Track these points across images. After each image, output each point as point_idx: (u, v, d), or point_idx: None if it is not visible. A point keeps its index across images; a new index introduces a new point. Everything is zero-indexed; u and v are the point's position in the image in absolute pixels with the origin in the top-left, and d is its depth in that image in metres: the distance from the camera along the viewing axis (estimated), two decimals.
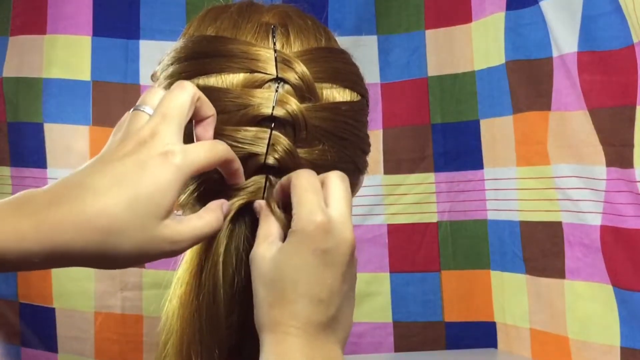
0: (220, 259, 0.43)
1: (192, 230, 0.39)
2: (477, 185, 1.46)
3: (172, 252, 0.38)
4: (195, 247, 0.44)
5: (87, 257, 0.35)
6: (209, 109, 0.41)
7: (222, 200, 0.43)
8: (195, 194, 0.45)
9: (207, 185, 0.45)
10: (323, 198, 0.42)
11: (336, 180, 0.43)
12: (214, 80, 0.45)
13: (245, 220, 0.44)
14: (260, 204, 0.44)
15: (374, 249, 1.52)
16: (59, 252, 0.34)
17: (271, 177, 0.44)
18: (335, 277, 0.40)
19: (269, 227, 0.43)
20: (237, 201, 0.44)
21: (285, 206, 0.43)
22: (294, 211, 0.41)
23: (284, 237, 0.43)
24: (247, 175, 0.44)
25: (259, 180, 0.44)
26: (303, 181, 0.42)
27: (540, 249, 1.32)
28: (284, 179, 0.44)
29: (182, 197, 0.46)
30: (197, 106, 0.40)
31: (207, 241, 0.43)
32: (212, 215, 0.40)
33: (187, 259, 0.44)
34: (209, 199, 0.45)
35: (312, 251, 0.40)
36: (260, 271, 0.41)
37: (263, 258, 0.41)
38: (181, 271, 0.46)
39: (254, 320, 0.41)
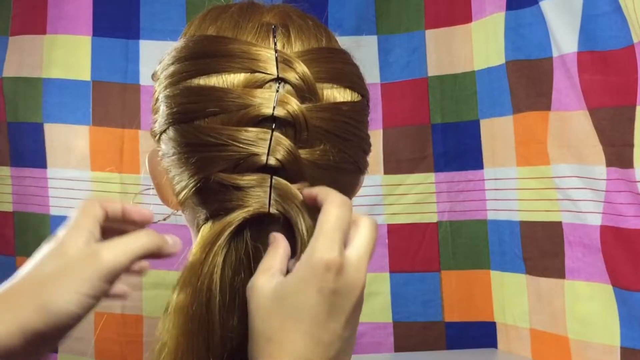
0: (218, 270, 0.42)
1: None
2: (477, 185, 1.46)
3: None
4: (194, 257, 0.43)
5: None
6: (138, 216, 0.43)
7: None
8: (194, 190, 0.45)
9: (207, 182, 0.44)
10: (347, 236, 0.40)
11: (369, 226, 0.42)
12: (214, 80, 0.44)
13: (246, 232, 0.44)
14: (275, 236, 0.43)
15: (374, 249, 1.52)
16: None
17: (274, 180, 0.44)
18: (340, 321, 0.39)
19: (273, 259, 0.41)
20: (242, 214, 0.43)
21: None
22: (315, 234, 0.40)
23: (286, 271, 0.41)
24: (248, 176, 0.44)
25: (263, 191, 0.43)
26: (334, 212, 0.40)
27: (540, 249, 1.32)
28: (318, 190, 0.42)
29: (182, 195, 0.46)
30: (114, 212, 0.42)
31: (206, 251, 0.42)
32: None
33: (186, 266, 0.44)
34: (209, 196, 0.45)
35: (319, 289, 0.38)
36: (259, 303, 0.39)
37: (262, 289, 0.39)
38: (180, 278, 0.45)
39: (247, 335, 0.41)
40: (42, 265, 0.40)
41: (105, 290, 0.39)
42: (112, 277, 0.39)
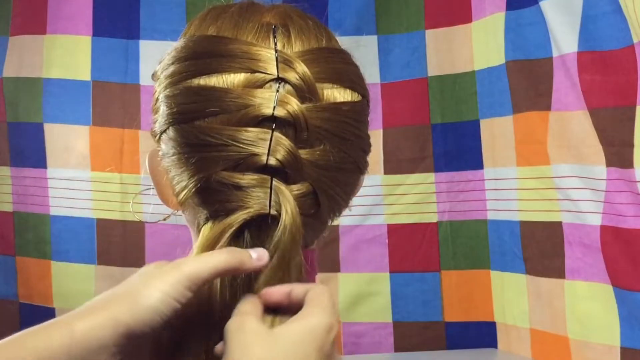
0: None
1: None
2: (477, 185, 1.46)
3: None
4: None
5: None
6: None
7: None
8: (194, 190, 0.45)
9: (207, 182, 0.44)
10: None
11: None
12: (214, 80, 0.44)
13: (246, 233, 0.44)
14: (278, 290, 0.43)
15: (374, 249, 1.52)
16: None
17: (275, 181, 0.44)
18: None
19: (258, 305, 0.42)
20: (242, 215, 0.43)
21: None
22: (312, 301, 0.41)
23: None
24: (248, 176, 0.44)
25: (263, 191, 0.43)
26: (326, 290, 0.43)
27: (540, 249, 1.32)
28: (290, 289, 0.43)
29: (182, 195, 0.46)
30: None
31: (207, 252, 0.43)
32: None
33: None
34: (210, 196, 0.44)
35: (319, 348, 0.40)
36: (247, 345, 0.39)
37: (254, 332, 0.39)
38: None
39: None
40: (136, 276, 0.43)
41: (186, 295, 0.41)
42: (192, 285, 0.41)
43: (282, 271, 0.43)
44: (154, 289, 0.40)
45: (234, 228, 0.44)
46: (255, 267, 0.43)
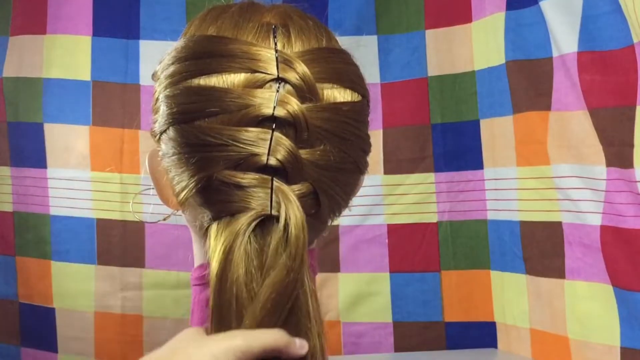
0: (240, 278, 0.43)
1: None
2: (477, 185, 1.46)
3: None
4: (216, 268, 0.44)
5: None
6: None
7: None
8: (195, 189, 0.45)
9: (208, 181, 0.44)
10: None
11: None
12: (214, 80, 0.44)
13: (251, 235, 0.44)
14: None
15: (374, 249, 1.52)
16: None
17: (277, 182, 0.44)
18: None
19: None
20: (247, 219, 0.43)
21: None
22: None
23: None
24: (249, 176, 0.44)
25: (264, 192, 0.43)
26: None
27: (540, 249, 1.32)
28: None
29: (182, 195, 0.46)
30: None
31: (227, 261, 0.43)
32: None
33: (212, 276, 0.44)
34: (211, 196, 0.45)
35: None
36: None
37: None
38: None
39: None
40: (184, 340, 0.44)
41: None
42: (242, 356, 0.42)
43: (293, 271, 0.43)
44: (207, 352, 0.41)
45: (245, 237, 0.44)
46: (297, 354, 0.44)
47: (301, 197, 0.44)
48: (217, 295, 0.43)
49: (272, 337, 0.43)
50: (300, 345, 0.44)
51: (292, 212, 0.43)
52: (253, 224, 0.44)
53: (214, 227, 0.45)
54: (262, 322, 0.42)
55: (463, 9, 1.44)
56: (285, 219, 0.43)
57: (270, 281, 0.43)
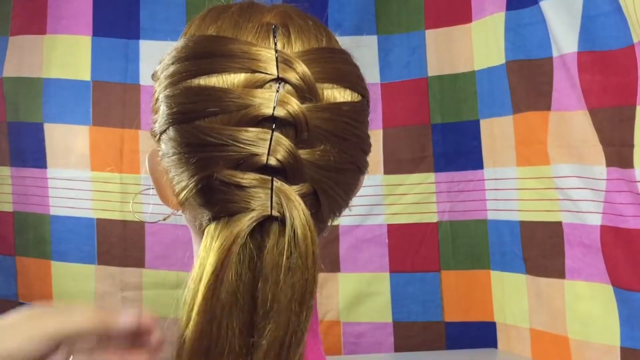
0: (238, 283, 0.43)
1: None
2: (477, 185, 1.46)
3: None
4: (210, 271, 0.44)
5: None
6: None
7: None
8: (195, 189, 0.45)
9: (208, 181, 0.44)
10: None
11: None
12: (214, 80, 0.44)
13: (249, 237, 0.44)
14: None
15: (374, 249, 1.52)
16: None
17: (276, 181, 0.44)
18: None
19: None
20: (247, 221, 0.43)
21: None
22: None
23: None
24: (249, 176, 0.44)
25: (264, 192, 0.43)
26: None
27: (540, 249, 1.32)
28: None
29: (182, 195, 0.46)
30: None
31: (222, 264, 0.43)
32: None
33: (198, 278, 0.44)
34: (211, 196, 0.44)
35: None
36: None
37: None
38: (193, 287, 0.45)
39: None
40: (15, 319, 0.44)
41: (45, 348, 0.42)
42: (51, 341, 0.42)
43: (300, 271, 0.43)
44: (11, 340, 0.42)
45: (244, 239, 0.43)
46: (124, 328, 0.44)
47: (301, 197, 0.44)
48: (210, 294, 0.43)
49: (84, 318, 0.43)
50: (129, 316, 0.44)
51: (295, 211, 0.43)
52: (253, 225, 0.44)
53: (212, 226, 0.45)
54: (289, 324, 0.42)
55: (463, 9, 1.44)
56: (291, 219, 0.43)
57: (289, 283, 0.43)
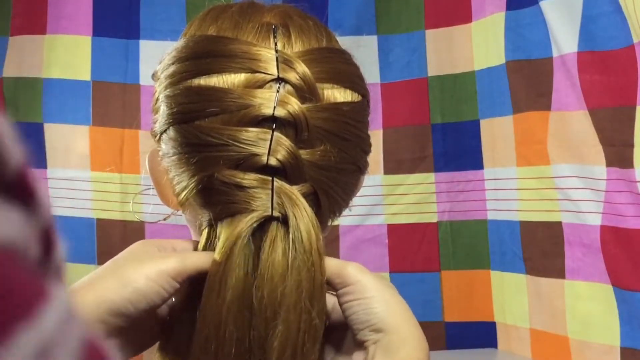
0: (239, 283, 0.42)
1: None
2: (477, 185, 1.46)
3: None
4: (212, 272, 0.43)
5: None
6: None
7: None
8: (195, 190, 0.45)
9: (209, 181, 0.44)
10: None
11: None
12: (215, 80, 0.44)
13: (250, 237, 0.44)
14: None
15: (374, 249, 1.52)
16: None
17: (275, 182, 0.44)
18: None
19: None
20: (248, 222, 0.43)
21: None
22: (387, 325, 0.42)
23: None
24: (249, 176, 0.44)
25: (265, 193, 0.43)
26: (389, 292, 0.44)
27: (540, 249, 1.32)
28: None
29: (182, 195, 0.46)
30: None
31: (224, 265, 0.43)
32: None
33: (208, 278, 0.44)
34: (212, 196, 0.45)
35: None
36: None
37: None
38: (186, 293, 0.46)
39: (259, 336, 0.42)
40: (125, 257, 0.45)
41: (172, 285, 0.43)
42: (177, 277, 0.43)
43: (307, 268, 0.43)
44: (140, 274, 0.42)
45: (245, 240, 0.43)
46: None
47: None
48: (215, 296, 0.43)
49: (204, 258, 0.44)
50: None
51: (298, 211, 0.43)
52: (255, 225, 0.44)
53: (213, 226, 0.46)
54: (301, 322, 0.42)
55: (463, 9, 1.44)
56: (293, 219, 0.43)
57: (296, 281, 0.43)
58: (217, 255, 0.44)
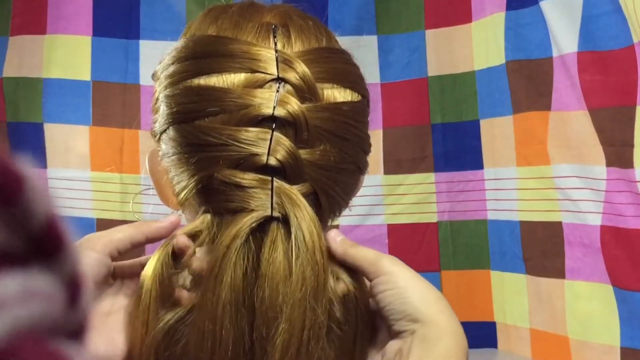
0: (236, 282, 0.42)
1: None
2: (477, 185, 1.46)
3: None
4: (210, 270, 0.43)
5: None
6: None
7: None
8: (194, 190, 0.45)
9: (208, 181, 0.44)
10: None
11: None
12: (214, 80, 0.44)
13: (250, 237, 0.43)
14: None
15: (374, 249, 1.52)
16: None
17: (275, 182, 0.44)
18: None
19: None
20: (248, 221, 0.43)
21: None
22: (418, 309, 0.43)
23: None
24: (249, 176, 0.44)
25: (265, 193, 0.43)
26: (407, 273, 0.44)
27: (540, 249, 1.32)
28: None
29: (182, 195, 0.46)
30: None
31: (220, 265, 0.43)
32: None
33: (204, 277, 0.44)
34: (211, 196, 0.45)
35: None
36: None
37: None
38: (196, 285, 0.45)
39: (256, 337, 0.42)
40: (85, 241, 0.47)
41: (111, 256, 0.46)
42: (129, 242, 0.46)
43: (310, 266, 0.43)
44: (91, 248, 0.45)
45: (243, 239, 0.43)
46: (162, 227, 0.47)
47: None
48: (210, 294, 0.43)
49: (164, 223, 0.47)
50: (168, 220, 0.48)
51: (299, 210, 0.43)
52: (254, 225, 0.44)
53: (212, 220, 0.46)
54: (305, 320, 0.42)
55: (463, 9, 1.44)
56: (294, 219, 0.43)
57: (299, 280, 0.43)
58: (214, 253, 0.44)
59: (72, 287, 0.18)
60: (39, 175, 0.16)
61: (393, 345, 0.44)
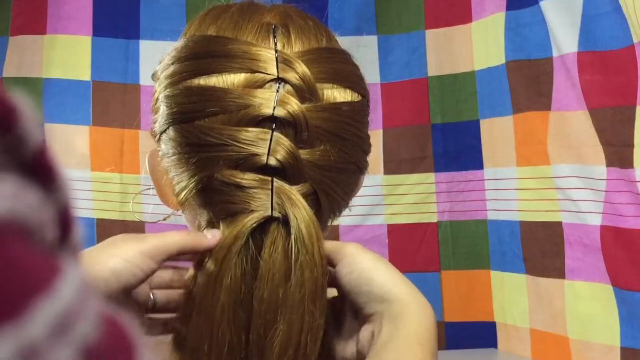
0: (236, 282, 0.42)
1: None
2: (477, 185, 1.46)
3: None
4: (210, 270, 0.43)
5: None
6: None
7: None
8: (194, 190, 0.45)
9: (208, 181, 0.44)
10: None
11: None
12: (214, 80, 0.44)
13: (250, 237, 0.43)
14: None
15: (374, 249, 1.51)
16: None
17: (275, 182, 0.44)
18: None
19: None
20: (249, 222, 0.43)
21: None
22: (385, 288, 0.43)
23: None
24: (249, 176, 0.44)
25: (265, 193, 0.43)
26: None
27: (540, 249, 1.32)
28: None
29: (182, 195, 0.46)
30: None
31: (221, 265, 0.43)
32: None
33: (203, 278, 0.44)
34: (211, 196, 0.44)
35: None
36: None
37: None
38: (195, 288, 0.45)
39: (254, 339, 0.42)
40: (110, 244, 0.45)
41: (147, 264, 0.42)
42: (156, 254, 0.43)
43: (309, 268, 0.43)
44: (121, 256, 0.42)
45: (244, 240, 0.43)
46: (210, 246, 0.44)
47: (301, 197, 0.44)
48: (210, 295, 0.43)
49: (186, 235, 0.44)
50: (212, 236, 0.45)
51: (298, 211, 0.43)
52: (254, 226, 0.44)
53: (212, 226, 0.46)
54: (303, 322, 0.42)
55: (463, 9, 1.44)
56: (294, 219, 0.43)
57: (298, 281, 0.43)
58: (215, 254, 0.44)
59: (63, 220, 0.18)
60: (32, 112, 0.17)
61: (365, 330, 0.44)
